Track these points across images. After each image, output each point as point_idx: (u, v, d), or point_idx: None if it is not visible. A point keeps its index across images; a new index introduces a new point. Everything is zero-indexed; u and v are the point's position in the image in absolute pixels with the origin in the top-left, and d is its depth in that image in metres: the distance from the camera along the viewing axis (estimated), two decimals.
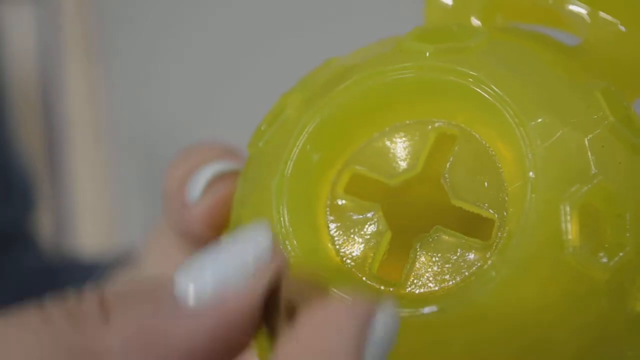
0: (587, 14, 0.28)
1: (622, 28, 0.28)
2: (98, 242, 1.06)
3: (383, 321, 0.22)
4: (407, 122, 0.27)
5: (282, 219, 0.26)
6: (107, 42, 1.02)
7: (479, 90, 0.26)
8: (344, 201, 0.27)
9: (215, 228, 0.30)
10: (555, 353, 0.24)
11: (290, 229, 0.26)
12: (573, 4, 0.29)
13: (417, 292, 0.25)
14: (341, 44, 0.33)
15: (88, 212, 1.04)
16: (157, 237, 0.38)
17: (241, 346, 0.23)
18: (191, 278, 0.23)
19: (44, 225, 0.97)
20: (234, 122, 0.91)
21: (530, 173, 0.24)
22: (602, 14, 0.28)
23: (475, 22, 0.30)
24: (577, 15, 0.29)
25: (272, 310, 0.23)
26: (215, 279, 0.23)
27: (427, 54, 0.26)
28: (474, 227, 0.26)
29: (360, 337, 0.22)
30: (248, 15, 0.91)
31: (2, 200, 0.83)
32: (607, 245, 0.24)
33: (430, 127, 0.27)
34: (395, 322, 0.22)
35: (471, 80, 0.26)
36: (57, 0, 1.04)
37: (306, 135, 0.27)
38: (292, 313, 0.23)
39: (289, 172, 0.26)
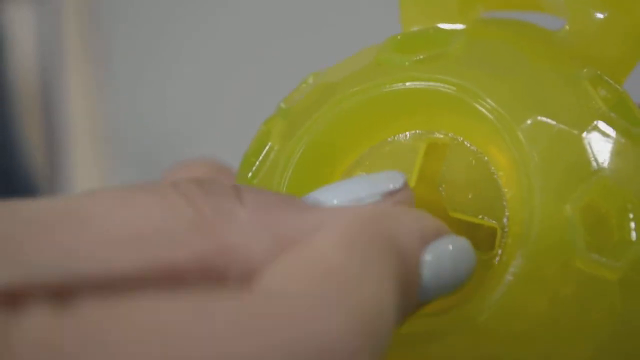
0: None
1: (600, 15, 0.27)
2: None
3: (454, 241, 0.22)
4: (395, 137, 0.26)
5: None
6: (107, 43, 1.02)
7: (461, 96, 0.25)
8: None
9: None
10: (576, 357, 0.24)
11: None
12: None
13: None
14: (340, 48, 0.31)
15: None
16: None
17: None
18: (320, 194, 0.23)
19: None
20: (233, 124, 0.91)
21: (527, 177, 0.24)
22: None
23: (456, 16, 0.28)
24: None
25: None
26: (345, 196, 0.23)
27: (406, 65, 0.26)
28: (475, 235, 0.25)
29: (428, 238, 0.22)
30: (249, 19, 0.91)
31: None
32: (614, 242, 0.24)
33: (419, 139, 0.26)
34: (467, 255, 0.23)
35: (452, 87, 0.25)
36: (58, 0, 1.04)
37: (292, 166, 0.26)
38: None
39: None
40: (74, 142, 1.04)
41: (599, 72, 0.26)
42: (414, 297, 0.22)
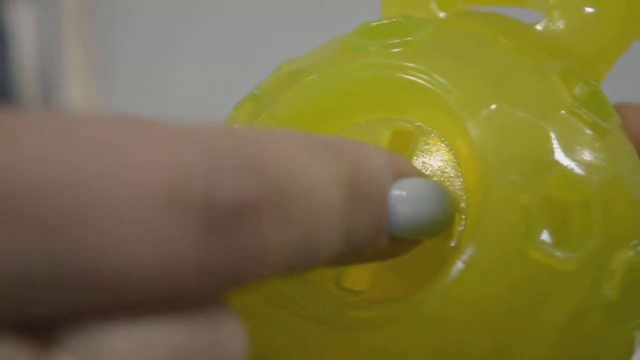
0: None
1: (581, 10, 0.26)
2: None
3: (427, 182, 0.23)
4: (359, 123, 0.26)
5: None
6: (107, 42, 1.02)
7: (425, 83, 0.24)
8: None
9: None
10: (528, 348, 0.23)
11: None
12: None
13: (374, 299, 0.24)
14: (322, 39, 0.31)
15: None
16: None
17: None
18: None
19: None
20: None
21: (485, 165, 0.23)
22: None
23: (435, 9, 0.29)
24: None
25: None
26: None
27: (372, 51, 0.25)
28: None
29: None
30: (249, 16, 0.92)
31: None
32: (573, 235, 0.23)
33: (383, 126, 0.25)
34: (441, 195, 0.23)
35: (416, 74, 0.24)
36: (58, 0, 1.04)
37: None
38: None
39: None
40: None
41: (572, 66, 0.25)
42: (382, 223, 0.22)
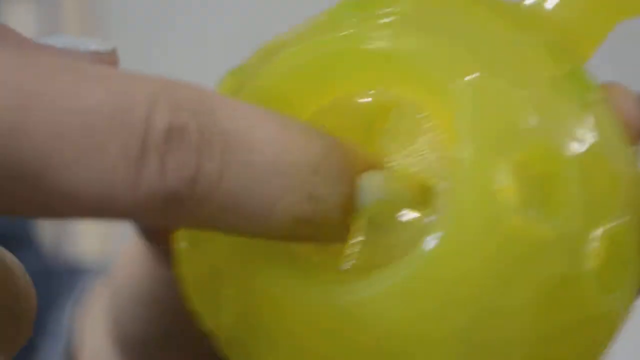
0: None
1: None
2: (97, 247, 1.06)
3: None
4: (343, 96, 0.25)
5: None
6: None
7: (406, 55, 0.24)
8: None
9: None
10: (509, 321, 0.23)
11: None
12: None
13: (353, 269, 0.24)
14: None
15: None
16: (128, 247, 0.37)
17: None
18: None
19: (44, 229, 0.97)
20: None
21: (464, 134, 0.23)
22: None
23: None
24: None
25: None
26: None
27: (353, 22, 0.25)
28: (419, 196, 0.25)
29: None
30: (250, 15, 0.91)
31: None
32: (552, 206, 0.23)
33: (364, 99, 0.25)
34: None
35: (397, 45, 0.24)
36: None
37: None
38: None
39: None
40: None
41: (557, 40, 0.25)
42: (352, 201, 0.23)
